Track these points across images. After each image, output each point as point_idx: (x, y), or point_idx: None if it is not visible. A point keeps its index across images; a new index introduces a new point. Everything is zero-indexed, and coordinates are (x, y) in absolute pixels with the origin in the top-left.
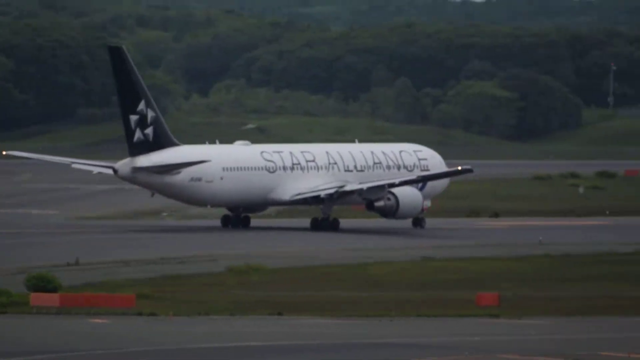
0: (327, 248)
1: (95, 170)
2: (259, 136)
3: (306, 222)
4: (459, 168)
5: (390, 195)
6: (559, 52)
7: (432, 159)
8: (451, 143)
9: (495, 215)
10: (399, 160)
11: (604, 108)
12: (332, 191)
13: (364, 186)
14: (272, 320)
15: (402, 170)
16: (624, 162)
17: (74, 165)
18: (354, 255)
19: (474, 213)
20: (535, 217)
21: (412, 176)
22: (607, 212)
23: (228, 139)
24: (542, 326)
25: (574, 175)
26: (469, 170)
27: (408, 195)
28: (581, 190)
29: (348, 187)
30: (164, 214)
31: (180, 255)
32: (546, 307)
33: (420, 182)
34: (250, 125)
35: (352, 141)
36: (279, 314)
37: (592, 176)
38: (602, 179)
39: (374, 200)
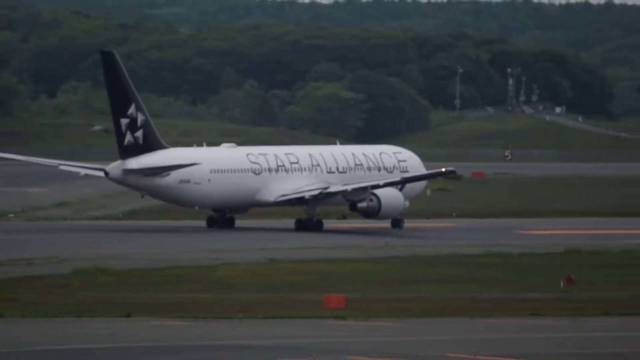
0: (179, 249)
1: (83, 172)
2: (106, 138)
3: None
4: (443, 169)
5: (372, 197)
6: (406, 54)
7: (410, 161)
8: (299, 145)
9: (343, 217)
10: (379, 161)
11: (451, 110)
12: (316, 192)
13: (348, 187)
14: (119, 322)
15: (382, 171)
16: (470, 164)
17: (61, 167)
18: (204, 257)
19: (323, 215)
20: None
21: (397, 178)
22: (454, 215)
23: (76, 141)
24: (389, 328)
25: None
26: (452, 172)
27: (390, 196)
28: (428, 192)
29: (332, 189)
30: (11, 215)
31: (28, 257)
32: (393, 309)
33: (405, 183)
34: (97, 127)
35: (201, 144)
36: (127, 315)
37: (439, 178)
38: (449, 181)
39: (357, 201)
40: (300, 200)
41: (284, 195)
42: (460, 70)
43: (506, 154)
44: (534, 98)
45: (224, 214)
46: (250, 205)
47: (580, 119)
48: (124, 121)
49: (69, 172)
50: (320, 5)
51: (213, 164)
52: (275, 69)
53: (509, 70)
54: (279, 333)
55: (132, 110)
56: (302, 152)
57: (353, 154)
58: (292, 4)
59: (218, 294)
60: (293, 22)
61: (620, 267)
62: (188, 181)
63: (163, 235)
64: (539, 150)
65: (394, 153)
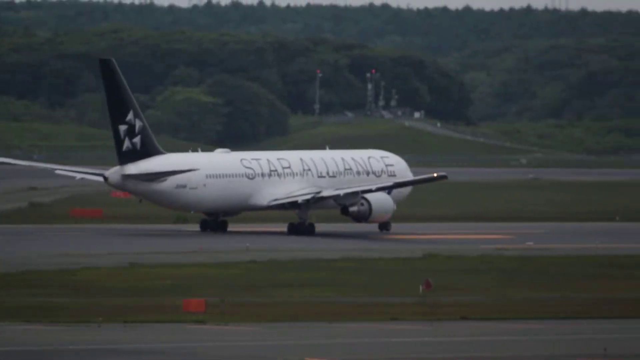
0: (37, 253)
1: (78, 176)
2: None
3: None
4: (434, 175)
5: (363, 201)
6: (265, 59)
7: (397, 165)
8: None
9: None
10: (368, 166)
11: (310, 115)
12: (309, 197)
13: (341, 192)
14: None
15: (370, 175)
16: None
17: (57, 172)
18: (62, 261)
19: (182, 219)
20: (243, 223)
21: (389, 183)
22: (314, 219)
23: None
24: (249, 332)
25: None
26: (444, 177)
27: (380, 200)
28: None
29: (325, 193)
30: None
31: None
32: (253, 313)
33: (397, 187)
34: None
35: (61, 148)
36: None
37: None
38: None
39: (348, 206)
40: (293, 205)
41: (276, 200)
42: (320, 75)
43: None
44: (393, 103)
45: (217, 218)
46: (243, 209)
47: (438, 124)
48: (122, 127)
49: (65, 177)
50: (179, 9)
51: (209, 169)
52: (134, 73)
53: (368, 75)
54: (138, 337)
55: (130, 116)
56: (294, 157)
57: (342, 159)
58: (150, 7)
59: (77, 298)
60: (152, 26)
61: (477, 272)
62: (184, 186)
63: (24, 239)
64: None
65: (381, 157)
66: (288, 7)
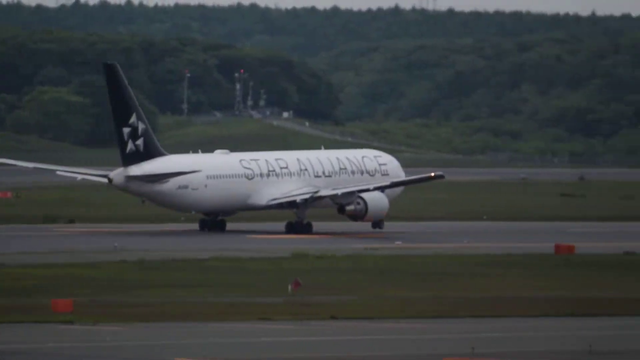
0: None
1: (79, 177)
2: None
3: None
4: (432, 174)
5: (359, 200)
6: (133, 59)
7: (390, 164)
8: (25, 149)
9: (71, 221)
10: (362, 165)
11: (179, 115)
12: (307, 196)
13: (339, 192)
14: None
15: (364, 175)
16: None
17: (58, 173)
18: None
19: (50, 219)
20: (111, 223)
21: (386, 182)
22: (183, 219)
23: None
24: (117, 332)
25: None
26: (441, 177)
27: (375, 199)
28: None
29: (323, 193)
30: None
31: None
32: (122, 313)
33: (394, 187)
34: None
35: None
36: None
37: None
38: None
39: (344, 205)
40: (291, 204)
41: (274, 199)
42: (188, 75)
43: None
44: (262, 103)
45: (215, 217)
46: (242, 209)
47: (307, 123)
48: (126, 130)
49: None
50: (47, 8)
51: (209, 170)
52: (2, 73)
53: (237, 75)
54: (5, 338)
55: (133, 119)
56: (291, 157)
57: (337, 159)
58: (18, 7)
59: None
60: (19, 26)
61: (346, 272)
62: (186, 187)
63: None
64: None
65: (374, 157)
66: (156, 6)
